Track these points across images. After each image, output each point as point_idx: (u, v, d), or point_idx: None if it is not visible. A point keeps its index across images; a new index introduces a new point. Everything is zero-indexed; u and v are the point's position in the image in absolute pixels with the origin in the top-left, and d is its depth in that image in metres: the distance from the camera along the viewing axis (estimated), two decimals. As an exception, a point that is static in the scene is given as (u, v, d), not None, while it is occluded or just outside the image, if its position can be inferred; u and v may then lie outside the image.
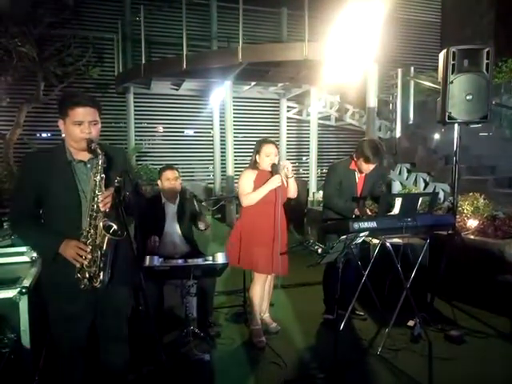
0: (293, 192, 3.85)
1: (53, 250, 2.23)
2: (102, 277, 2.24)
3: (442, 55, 4.45)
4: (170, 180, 4.11)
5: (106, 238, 2.19)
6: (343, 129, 11.19)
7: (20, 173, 2.38)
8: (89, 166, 2.30)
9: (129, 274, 2.48)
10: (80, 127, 2.21)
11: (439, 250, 4.34)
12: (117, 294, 2.41)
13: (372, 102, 8.12)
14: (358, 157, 4.06)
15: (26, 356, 2.74)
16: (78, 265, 2.21)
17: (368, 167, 4.04)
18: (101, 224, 2.19)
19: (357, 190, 4.18)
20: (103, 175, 2.21)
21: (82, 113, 2.21)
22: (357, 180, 4.16)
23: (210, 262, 3.47)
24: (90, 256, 2.20)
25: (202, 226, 4.17)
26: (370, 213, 4.16)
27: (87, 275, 2.22)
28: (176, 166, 4.29)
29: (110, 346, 2.51)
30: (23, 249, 3.32)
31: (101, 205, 2.19)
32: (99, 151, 2.19)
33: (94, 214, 2.21)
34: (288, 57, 7.95)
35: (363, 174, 4.15)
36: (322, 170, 10.68)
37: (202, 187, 10.20)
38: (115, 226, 2.22)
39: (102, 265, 2.23)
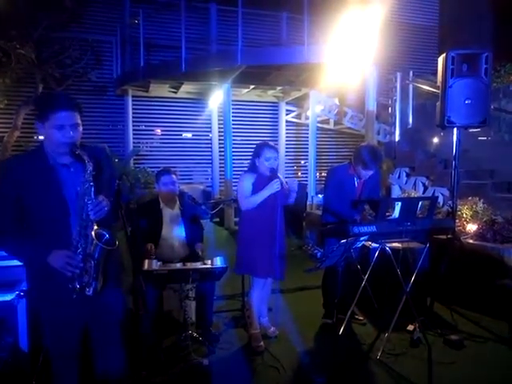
0: (291, 200, 3.83)
1: (40, 259, 2.14)
2: (94, 285, 2.18)
3: (441, 59, 4.47)
4: (167, 185, 4.08)
5: (99, 247, 2.13)
6: (342, 132, 11.18)
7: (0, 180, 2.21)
8: (72, 169, 2.22)
9: (119, 277, 2.45)
10: (61, 131, 2.12)
11: (439, 255, 4.34)
12: (108, 299, 2.34)
13: (371, 105, 8.13)
14: (355, 162, 4.05)
15: (23, 360, 2.73)
16: (69, 274, 2.14)
17: (366, 172, 4.04)
18: (92, 233, 2.12)
19: (356, 194, 4.18)
20: (92, 183, 2.14)
21: (64, 116, 2.11)
22: (356, 185, 4.16)
23: (209, 266, 3.46)
24: (81, 265, 2.13)
25: (199, 250, 4.18)
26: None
27: (78, 285, 2.16)
28: (174, 169, 4.26)
29: (104, 351, 2.46)
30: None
31: (91, 213, 2.12)
32: (86, 158, 2.12)
33: (85, 223, 2.14)
34: (287, 60, 7.96)
35: (362, 179, 4.15)
36: (320, 173, 10.68)
37: (201, 190, 10.18)
38: (107, 235, 2.17)
39: (94, 274, 2.17)
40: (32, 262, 2.26)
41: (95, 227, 2.15)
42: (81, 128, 2.21)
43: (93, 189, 2.15)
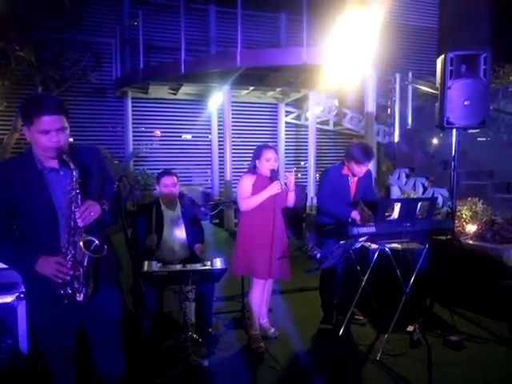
0: (291, 202, 3.85)
1: (29, 267, 2.12)
2: (84, 291, 2.16)
3: (439, 61, 4.47)
4: (168, 186, 4.08)
5: (87, 256, 2.11)
6: (341, 133, 11.19)
7: None
8: (62, 173, 2.18)
9: (115, 278, 2.45)
10: (47, 136, 2.06)
11: (438, 255, 4.34)
12: (103, 300, 2.31)
13: (370, 106, 8.13)
14: (348, 160, 4.06)
15: (23, 361, 2.73)
16: (59, 281, 2.11)
17: (360, 169, 4.04)
18: (81, 243, 2.09)
19: (350, 194, 4.18)
20: (78, 190, 2.11)
21: (49, 121, 2.04)
22: (350, 184, 4.16)
23: (208, 268, 3.46)
24: (71, 272, 2.11)
25: (198, 252, 4.16)
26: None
27: (69, 291, 2.14)
28: (174, 171, 4.26)
29: (103, 353, 2.45)
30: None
31: (79, 220, 2.09)
32: (72, 165, 2.08)
33: (73, 231, 2.11)
34: (286, 61, 7.97)
35: (356, 178, 4.15)
36: (320, 174, 10.67)
37: (200, 192, 10.18)
38: (97, 242, 2.15)
39: (84, 281, 2.15)
40: (23, 268, 2.24)
41: (84, 234, 2.13)
42: (68, 131, 2.15)
43: (80, 196, 2.11)
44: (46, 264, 2.10)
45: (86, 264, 2.13)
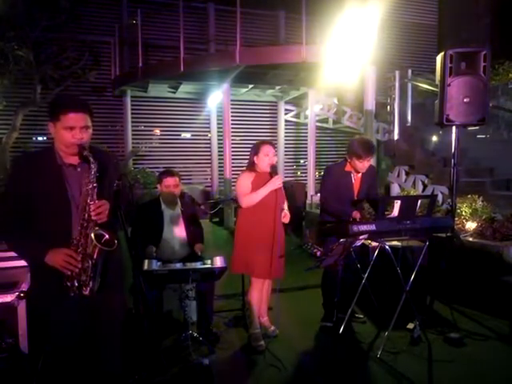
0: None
1: (39, 257, 2.17)
2: (91, 285, 2.19)
3: (439, 58, 4.46)
4: (169, 187, 4.07)
5: (97, 248, 2.15)
6: (341, 131, 11.19)
7: (9, 176, 2.33)
8: (79, 169, 2.26)
9: (120, 278, 2.46)
10: (71, 132, 2.17)
11: (438, 253, 4.34)
12: (109, 300, 2.35)
13: (370, 104, 8.13)
14: (350, 157, 4.05)
15: (23, 361, 2.73)
16: (68, 273, 2.16)
17: (363, 165, 4.01)
18: (92, 234, 2.14)
19: (353, 192, 4.17)
20: (95, 184, 2.19)
21: (74, 118, 2.17)
22: (353, 181, 4.15)
23: (208, 266, 3.46)
24: (80, 265, 2.15)
25: (198, 251, 4.14)
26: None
27: (76, 283, 2.18)
28: (176, 171, 4.24)
29: (104, 351, 2.46)
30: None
31: (93, 214, 2.15)
32: (92, 159, 2.17)
33: (85, 224, 2.18)
34: (286, 59, 7.97)
35: (359, 175, 4.13)
36: (320, 172, 10.68)
37: (200, 190, 10.19)
38: (107, 236, 2.19)
39: (92, 274, 2.18)
40: (33, 259, 2.28)
41: (96, 228, 2.18)
42: (91, 130, 2.26)
43: (96, 190, 2.19)
44: (57, 255, 2.15)
45: (95, 257, 2.17)
